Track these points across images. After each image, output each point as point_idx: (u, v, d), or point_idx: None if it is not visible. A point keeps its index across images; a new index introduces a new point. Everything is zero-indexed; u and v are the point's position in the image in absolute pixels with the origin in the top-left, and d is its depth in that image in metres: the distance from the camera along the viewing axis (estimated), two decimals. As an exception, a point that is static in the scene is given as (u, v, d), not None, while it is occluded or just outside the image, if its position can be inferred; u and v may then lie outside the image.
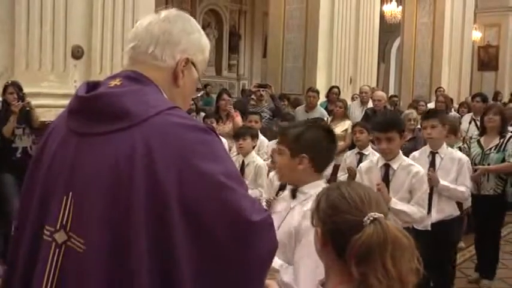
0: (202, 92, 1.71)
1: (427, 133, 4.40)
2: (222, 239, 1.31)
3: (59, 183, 1.38)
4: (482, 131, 5.41)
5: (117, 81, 1.43)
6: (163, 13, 1.52)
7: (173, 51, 1.48)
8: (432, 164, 4.37)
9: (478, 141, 5.35)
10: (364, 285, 1.32)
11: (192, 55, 1.52)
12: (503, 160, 5.19)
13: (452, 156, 4.43)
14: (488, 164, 5.20)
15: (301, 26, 10.53)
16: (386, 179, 3.72)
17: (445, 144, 4.51)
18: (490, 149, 5.21)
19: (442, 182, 4.33)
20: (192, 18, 1.56)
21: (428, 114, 4.60)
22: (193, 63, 1.52)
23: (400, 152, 3.84)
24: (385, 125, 3.76)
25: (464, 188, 4.36)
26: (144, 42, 1.47)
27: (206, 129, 1.41)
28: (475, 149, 5.29)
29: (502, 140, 5.23)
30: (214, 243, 1.31)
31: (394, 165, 3.71)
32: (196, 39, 1.53)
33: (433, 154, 4.43)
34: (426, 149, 4.53)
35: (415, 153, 4.60)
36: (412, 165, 3.77)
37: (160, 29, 1.48)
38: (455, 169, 4.37)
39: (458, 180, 4.36)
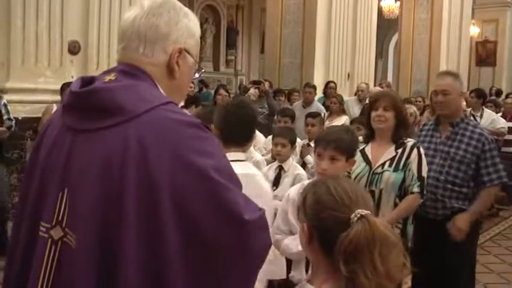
0: (202, 70, 1.69)
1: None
2: (212, 233, 1.30)
3: (54, 179, 1.37)
4: (370, 135, 3.46)
5: (112, 76, 1.41)
6: (147, 4, 1.48)
7: (164, 46, 1.46)
8: None
9: (363, 153, 3.36)
10: (353, 282, 1.30)
11: (184, 43, 1.49)
12: (403, 183, 3.26)
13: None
14: (381, 190, 3.22)
15: (298, 22, 10.48)
16: None
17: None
18: (383, 164, 3.27)
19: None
20: (176, 2, 1.52)
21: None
22: (186, 51, 1.50)
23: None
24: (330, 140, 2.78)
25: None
26: (132, 42, 1.45)
27: (201, 125, 1.39)
28: (359, 166, 3.30)
29: (400, 151, 3.28)
30: (205, 237, 1.30)
31: None
32: (184, 26, 1.50)
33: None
34: None
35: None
36: None
37: (147, 26, 1.44)
38: None
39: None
